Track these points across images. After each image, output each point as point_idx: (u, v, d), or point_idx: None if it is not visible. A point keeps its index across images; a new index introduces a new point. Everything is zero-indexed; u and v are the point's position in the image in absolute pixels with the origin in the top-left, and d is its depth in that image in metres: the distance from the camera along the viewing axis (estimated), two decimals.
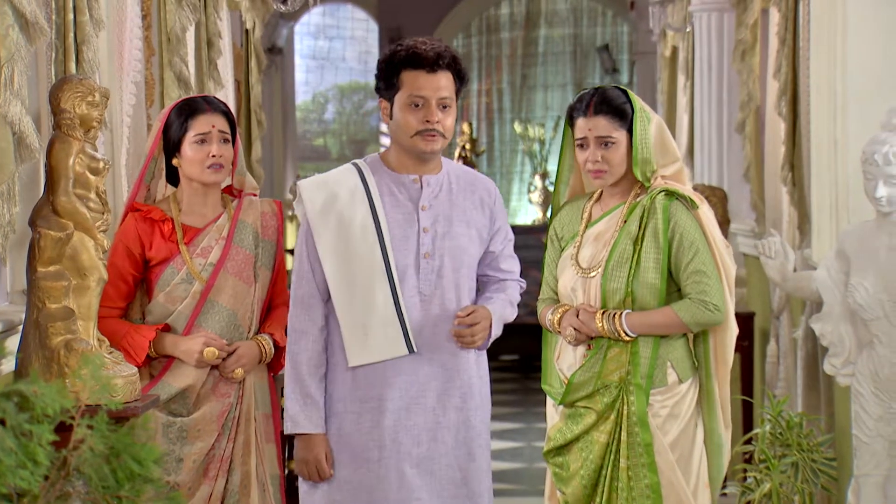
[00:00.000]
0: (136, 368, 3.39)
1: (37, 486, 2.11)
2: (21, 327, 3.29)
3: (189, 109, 3.95)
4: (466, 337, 3.66)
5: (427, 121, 3.60)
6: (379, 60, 3.69)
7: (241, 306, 3.95)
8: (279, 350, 4.01)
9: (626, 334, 3.80)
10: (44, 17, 3.29)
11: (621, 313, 3.80)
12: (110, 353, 3.34)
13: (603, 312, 3.82)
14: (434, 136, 3.61)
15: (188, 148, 3.91)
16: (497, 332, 3.75)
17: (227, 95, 6.44)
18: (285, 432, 3.72)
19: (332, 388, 3.68)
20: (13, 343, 3.36)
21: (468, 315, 3.66)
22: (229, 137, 3.96)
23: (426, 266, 3.66)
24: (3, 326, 3.36)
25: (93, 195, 3.27)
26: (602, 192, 4.00)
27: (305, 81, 17.59)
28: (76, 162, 3.23)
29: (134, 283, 3.93)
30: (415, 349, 3.64)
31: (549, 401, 4.02)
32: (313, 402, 3.65)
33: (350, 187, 3.68)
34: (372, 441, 3.65)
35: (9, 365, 3.34)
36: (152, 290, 3.94)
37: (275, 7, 6.82)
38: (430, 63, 3.60)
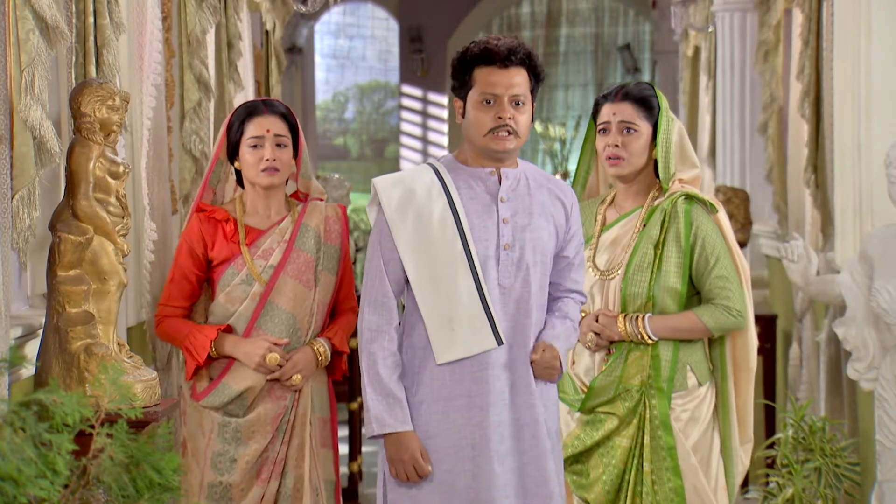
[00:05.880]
0: (156, 373, 3.38)
1: (56, 495, 2.11)
2: (41, 331, 3.29)
3: (246, 112, 3.99)
4: (545, 374, 3.55)
5: (499, 117, 3.49)
6: (453, 59, 3.60)
7: (300, 309, 3.96)
8: (337, 355, 4.02)
9: (649, 337, 3.79)
10: (64, 20, 3.28)
11: (643, 316, 3.80)
12: (130, 357, 3.34)
13: (625, 316, 3.81)
14: (506, 134, 3.51)
15: (245, 152, 3.96)
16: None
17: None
18: (369, 435, 3.52)
19: (410, 390, 3.52)
20: (33, 347, 3.36)
21: (539, 357, 3.54)
22: (286, 142, 3.99)
23: (506, 257, 3.52)
24: (23, 331, 3.36)
25: (113, 199, 3.27)
26: (616, 195, 3.98)
27: (325, 80, 17.60)
28: (96, 166, 3.23)
29: (198, 282, 3.99)
30: (503, 341, 3.51)
31: (563, 407, 3.98)
32: (396, 400, 3.48)
33: (426, 183, 3.56)
34: (464, 439, 3.51)
35: (28, 370, 3.34)
36: (214, 290, 3.98)
37: (295, 8, 6.81)
38: (503, 58, 3.50)
